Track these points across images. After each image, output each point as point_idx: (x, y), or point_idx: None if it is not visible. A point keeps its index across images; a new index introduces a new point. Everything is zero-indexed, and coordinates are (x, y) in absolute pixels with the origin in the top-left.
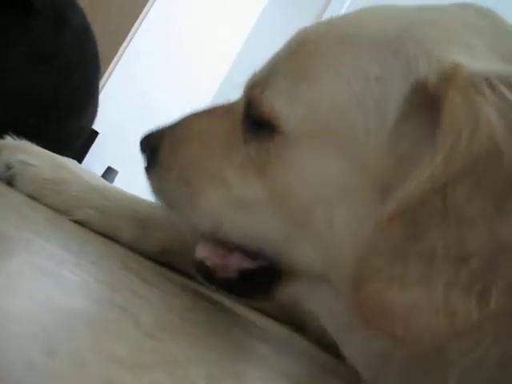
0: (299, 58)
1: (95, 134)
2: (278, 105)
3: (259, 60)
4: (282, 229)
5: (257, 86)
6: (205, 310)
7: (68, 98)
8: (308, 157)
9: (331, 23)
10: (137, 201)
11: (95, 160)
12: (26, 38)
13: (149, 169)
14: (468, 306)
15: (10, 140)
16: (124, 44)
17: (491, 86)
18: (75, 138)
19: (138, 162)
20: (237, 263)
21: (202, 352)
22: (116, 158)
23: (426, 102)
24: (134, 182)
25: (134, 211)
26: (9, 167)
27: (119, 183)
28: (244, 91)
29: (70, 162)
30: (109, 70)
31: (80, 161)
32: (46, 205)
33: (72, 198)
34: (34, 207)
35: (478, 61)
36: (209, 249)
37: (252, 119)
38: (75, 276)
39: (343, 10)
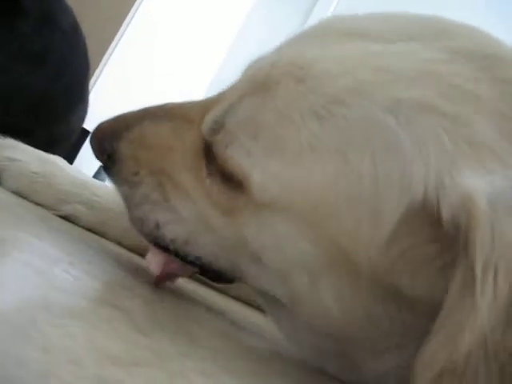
0: (268, 114)
1: (86, 133)
2: (246, 168)
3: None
4: (253, 267)
5: (218, 131)
6: (198, 307)
7: (58, 98)
8: (283, 230)
9: (303, 70)
10: None
11: (87, 159)
12: (13, 38)
13: (108, 169)
14: None
15: None
16: (114, 42)
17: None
18: (66, 138)
19: None
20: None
21: (196, 348)
22: None
23: (429, 220)
24: None
25: (122, 206)
26: None
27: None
28: (204, 126)
29: (56, 158)
30: (99, 68)
31: (72, 160)
32: (35, 201)
33: (61, 192)
34: (24, 206)
35: (489, 166)
36: (159, 259)
37: (215, 162)
38: (69, 274)
39: (331, 9)
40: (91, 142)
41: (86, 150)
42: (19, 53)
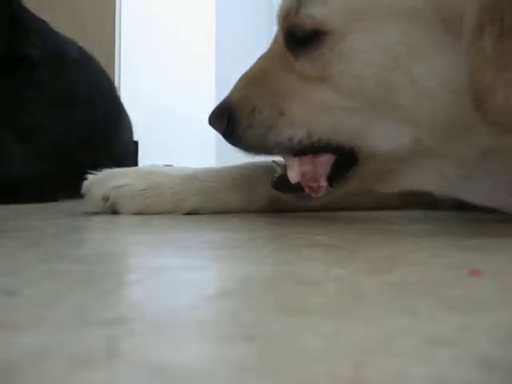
0: None
1: (137, 144)
2: (315, 12)
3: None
4: (365, 116)
5: (289, 13)
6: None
7: (102, 121)
8: (366, 37)
9: None
10: (228, 169)
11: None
12: (40, 90)
13: (230, 133)
14: None
15: (92, 176)
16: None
17: None
18: (126, 154)
19: None
20: (323, 171)
21: None
22: None
23: None
24: None
25: (231, 179)
26: (106, 198)
27: None
28: (279, 25)
29: (154, 167)
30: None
31: None
32: (155, 213)
33: (173, 194)
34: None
35: None
36: (297, 169)
37: (296, 40)
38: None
39: None
40: (210, 121)
41: (143, 161)
42: (53, 101)
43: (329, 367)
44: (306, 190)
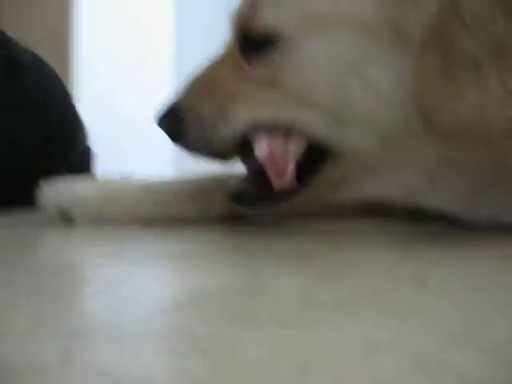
0: None
1: (92, 151)
2: (270, 18)
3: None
4: (324, 123)
5: (244, 16)
6: None
7: (57, 126)
8: (318, 46)
9: None
10: (182, 181)
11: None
12: None
13: (177, 137)
14: None
15: (47, 185)
16: None
17: None
18: (86, 161)
19: None
20: (292, 154)
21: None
22: None
23: None
24: None
25: (185, 191)
26: (61, 208)
27: None
28: (232, 28)
29: (109, 177)
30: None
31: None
32: (114, 223)
33: (130, 206)
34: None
35: None
36: (265, 145)
37: (250, 45)
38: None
39: None
40: (157, 122)
41: (100, 169)
42: (8, 107)
43: (277, 376)
44: (271, 176)
